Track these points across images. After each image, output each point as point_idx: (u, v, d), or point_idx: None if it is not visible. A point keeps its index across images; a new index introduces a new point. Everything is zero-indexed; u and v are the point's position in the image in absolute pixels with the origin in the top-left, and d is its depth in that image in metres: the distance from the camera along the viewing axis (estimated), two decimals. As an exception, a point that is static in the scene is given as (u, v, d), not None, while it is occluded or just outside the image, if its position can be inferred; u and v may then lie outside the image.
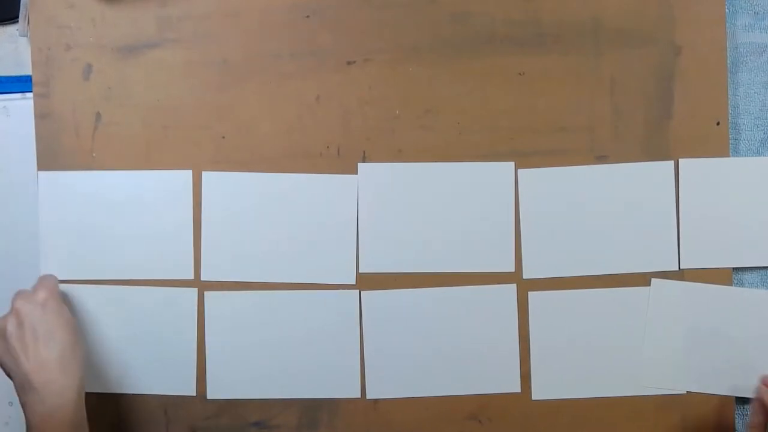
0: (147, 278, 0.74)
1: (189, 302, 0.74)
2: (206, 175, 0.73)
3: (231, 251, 0.73)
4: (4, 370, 0.65)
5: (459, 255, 0.73)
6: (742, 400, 0.73)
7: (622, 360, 0.73)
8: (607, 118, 0.73)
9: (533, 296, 0.73)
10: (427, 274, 0.73)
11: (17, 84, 0.76)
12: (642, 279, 0.73)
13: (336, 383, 0.74)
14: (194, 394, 0.74)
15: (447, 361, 0.74)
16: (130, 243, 0.73)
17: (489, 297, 0.73)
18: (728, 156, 0.73)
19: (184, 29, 0.73)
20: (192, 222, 0.73)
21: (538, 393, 0.74)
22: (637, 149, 0.73)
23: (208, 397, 0.74)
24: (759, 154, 0.74)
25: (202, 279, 0.74)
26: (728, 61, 0.73)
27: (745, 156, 0.74)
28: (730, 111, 0.73)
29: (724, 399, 0.73)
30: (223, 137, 0.74)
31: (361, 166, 0.73)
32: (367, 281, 0.73)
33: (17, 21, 0.75)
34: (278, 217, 0.73)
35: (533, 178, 0.73)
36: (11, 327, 0.63)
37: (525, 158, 0.73)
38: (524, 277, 0.73)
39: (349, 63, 0.73)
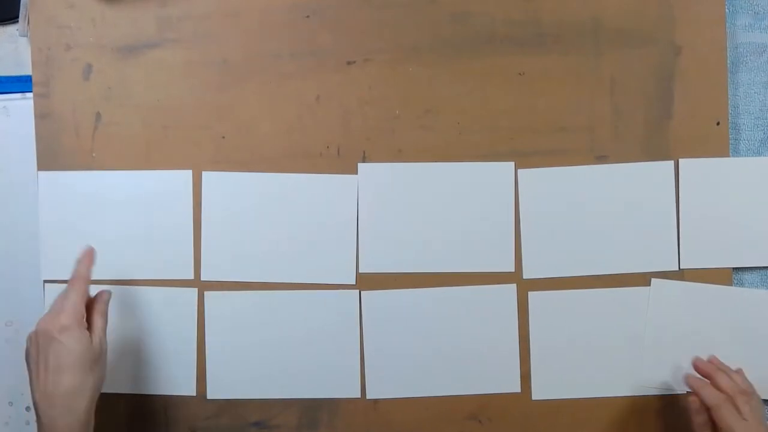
0: (147, 278, 0.74)
1: (189, 302, 0.73)
2: (206, 175, 0.73)
3: (231, 251, 0.73)
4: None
5: (459, 255, 0.73)
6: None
7: (622, 360, 0.73)
8: (607, 118, 0.73)
9: (533, 296, 0.73)
10: (427, 274, 0.73)
11: (17, 84, 0.76)
12: (642, 279, 0.73)
13: (336, 383, 0.74)
14: (194, 394, 0.74)
15: (447, 361, 0.74)
16: (130, 243, 0.73)
17: (489, 297, 0.73)
18: (728, 156, 0.73)
19: (184, 29, 0.73)
20: (192, 222, 0.73)
21: (538, 393, 0.74)
22: (637, 149, 0.73)
23: (208, 397, 0.74)
24: (759, 154, 0.74)
25: (202, 279, 0.74)
26: (728, 61, 0.73)
27: (745, 156, 0.74)
28: (730, 111, 0.73)
29: (724, 399, 0.73)
30: (223, 137, 0.74)
31: (361, 166, 0.73)
32: (367, 281, 0.73)
33: (17, 21, 0.75)
34: (278, 217, 0.73)
35: (533, 178, 0.73)
36: (31, 348, 0.62)
37: (525, 158, 0.73)
38: (524, 277, 0.73)
39: (349, 63, 0.73)
